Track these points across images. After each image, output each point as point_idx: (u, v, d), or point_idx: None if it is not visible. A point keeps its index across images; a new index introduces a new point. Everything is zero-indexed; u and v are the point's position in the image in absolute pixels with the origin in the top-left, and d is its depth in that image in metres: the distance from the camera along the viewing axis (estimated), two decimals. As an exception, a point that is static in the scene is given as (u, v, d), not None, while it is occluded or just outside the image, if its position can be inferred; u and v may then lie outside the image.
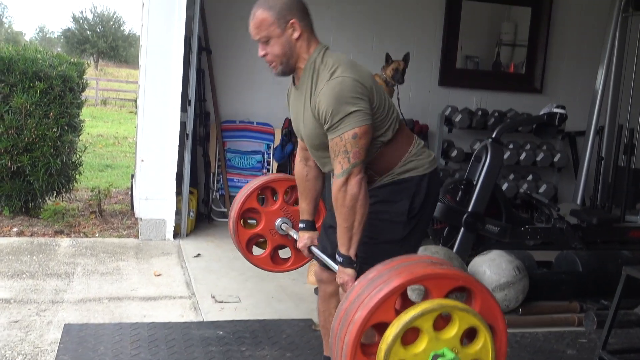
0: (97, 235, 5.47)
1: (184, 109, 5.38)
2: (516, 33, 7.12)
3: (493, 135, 4.89)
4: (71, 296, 3.97)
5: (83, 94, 6.26)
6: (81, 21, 38.42)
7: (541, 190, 6.65)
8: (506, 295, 4.07)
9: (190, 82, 5.44)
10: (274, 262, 3.29)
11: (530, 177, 6.70)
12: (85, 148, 6.29)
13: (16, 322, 3.51)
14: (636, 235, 5.15)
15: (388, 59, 5.48)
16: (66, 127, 5.61)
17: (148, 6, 5.23)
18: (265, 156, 6.33)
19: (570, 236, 5.03)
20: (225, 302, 4.01)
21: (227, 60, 6.24)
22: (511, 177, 6.60)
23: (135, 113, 8.51)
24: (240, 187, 6.20)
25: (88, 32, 37.84)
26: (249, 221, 3.29)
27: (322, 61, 2.40)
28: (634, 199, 6.13)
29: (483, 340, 1.89)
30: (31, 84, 5.40)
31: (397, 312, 1.86)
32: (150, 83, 5.29)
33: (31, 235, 5.27)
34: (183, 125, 5.41)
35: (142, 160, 5.36)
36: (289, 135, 6.32)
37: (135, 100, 9.31)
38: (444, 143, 6.63)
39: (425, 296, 1.91)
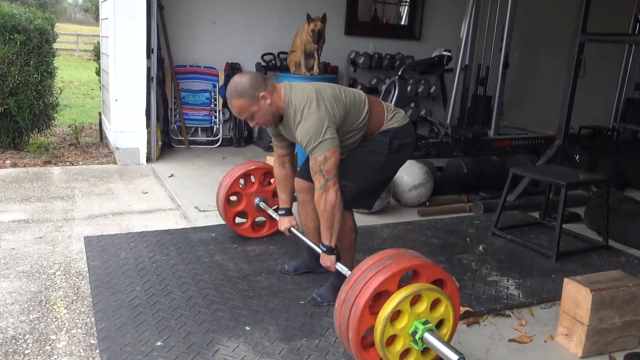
0: (81, 163, 5.11)
1: (148, 56, 5.00)
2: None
3: (399, 73, 4.93)
4: (79, 214, 3.73)
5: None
6: (10, -20, 34.21)
7: (421, 113, 6.83)
8: (419, 193, 4.20)
9: (152, 33, 5.05)
10: (254, 230, 3.39)
11: (412, 104, 6.84)
12: (61, 91, 5.72)
13: (41, 237, 3.27)
14: (498, 145, 5.42)
15: (308, 19, 5.18)
16: (45, 74, 5.08)
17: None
18: (212, 94, 6.05)
19: (454, 147, 5.24)
20: (207, 211, 3.91)
21: (177, 14, 5.82)
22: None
23: (95, 61, 7.81)
24: (194, 120, 6.04)
25: (17, -10, 33.80)
26: (231, 199, 3.34)
27: (292, 104, 2.37)
28: (487, 118, 6.40)
29: (444, 305, 1.99)
30: (11, 36, 4.80)
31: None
32: (120, 35, 4.86)
33: (24, 166, 4.84)
34: (148, 69, 5.05)
35: (117, 100, 4.98)
36: (231, 76, 6.07)
37: (92, 51, 8.55)
38: (350, 80, 6.60)
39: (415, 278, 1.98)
